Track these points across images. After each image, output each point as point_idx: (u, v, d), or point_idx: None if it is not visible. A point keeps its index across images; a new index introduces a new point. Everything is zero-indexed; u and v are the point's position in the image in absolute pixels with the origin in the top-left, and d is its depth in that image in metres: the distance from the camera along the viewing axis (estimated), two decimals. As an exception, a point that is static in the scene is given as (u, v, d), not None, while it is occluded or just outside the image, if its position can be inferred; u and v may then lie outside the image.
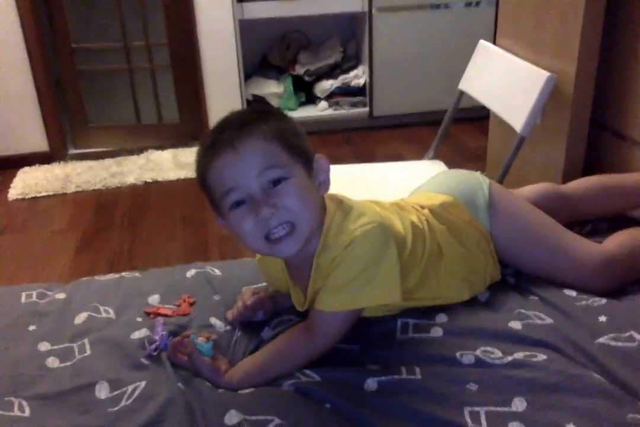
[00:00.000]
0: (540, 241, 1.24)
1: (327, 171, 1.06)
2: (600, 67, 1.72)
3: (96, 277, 1.39)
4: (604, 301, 1.15)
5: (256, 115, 1.03)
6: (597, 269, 1.21)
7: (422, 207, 1.22)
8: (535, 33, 1.91)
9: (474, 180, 1.29)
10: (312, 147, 1.05)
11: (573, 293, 1.18)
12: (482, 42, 2.06)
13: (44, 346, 1.14)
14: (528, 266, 1.25)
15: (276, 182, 0.97)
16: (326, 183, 1.06)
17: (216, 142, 0.98)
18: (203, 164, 1.01)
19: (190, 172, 3.18)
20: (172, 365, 1.06)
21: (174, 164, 3.30)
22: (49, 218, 2.87)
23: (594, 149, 1.82)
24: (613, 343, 1.04)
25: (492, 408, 0.92)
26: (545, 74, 1.69)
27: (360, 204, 1.08)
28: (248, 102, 3.55)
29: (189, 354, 1.05)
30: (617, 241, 1.27)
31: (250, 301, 1.18)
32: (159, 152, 3.43)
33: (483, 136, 3.22)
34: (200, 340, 1.07)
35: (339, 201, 1.07)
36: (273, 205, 0.96)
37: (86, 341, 1.13)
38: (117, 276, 1.38)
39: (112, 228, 2.75)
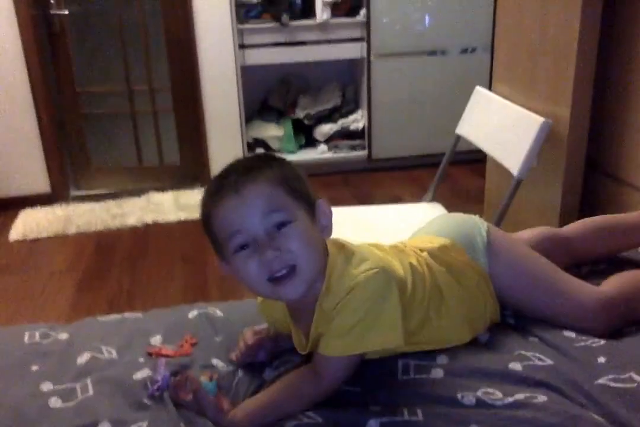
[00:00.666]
0: (539, 284, 1.25)
1: (329, 215, 1.07)
2: (595, 110, 1.77)
3: (98, 318, 1.39)
4: (602, 342, 1.16)
5: (260, 161, 1.06)
6: (595, 312, 1.22)
7: (421, 250, 1.23)
8: (529, 78, 1.97)
9: (472, 224, 1.31)
10: (314, 192, 1.08)
11: (572, 334, 1.19)
12: (478, 88, 2.12)
13: (46, 386, 1.14)
14: (527, 307, 1.27)
15: (280, 225, 0.99)
16: (328, 227, 1.07)
17: (220, 187, 1.01)
18: (207, 208, 1.03)
19: (190, 214, 3.21)
20: (175, 405, 1.06)
21: (175, 205, 3.33)
22: (49, 259, 2.88)
23: (590, 191, 1.85)
24: (613, 384, 1.04)
25: (494, 449, 0.93)
26: (540, 120, 1.74)
27: (361, 249, 1.09)
28: (249, 145, 3.61)
29: (195, 391, 1.05)
30: (615, 283, 1.29)
31: (252, 340, 1.19)
32: (160, 193, 3.47)
33: (480, 178, 3.26)
34: (203, 379, 1.07)
35: (341, 245, 1.09)
36: (277, 248, 0.97)
37: (89, 381, 1.13)
38: (119, 316, 1.38)
39: (112, 269, 2.76)
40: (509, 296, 1.26)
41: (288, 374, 1.10)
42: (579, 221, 1.51)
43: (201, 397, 1.04)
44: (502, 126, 1.94)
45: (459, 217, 1.38)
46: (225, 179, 1.01)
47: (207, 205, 1.03)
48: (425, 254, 1.22)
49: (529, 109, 1.84)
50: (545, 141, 1.76)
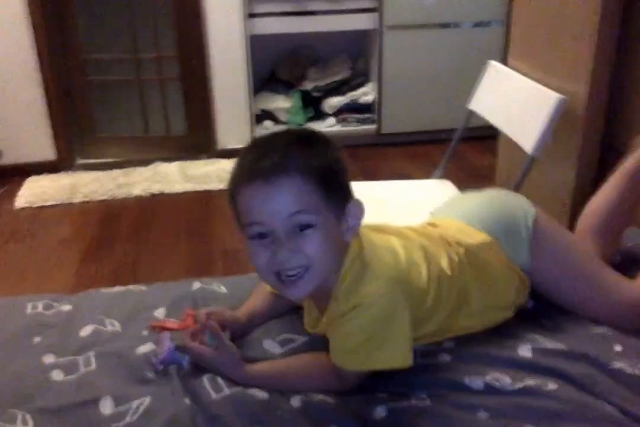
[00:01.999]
0: (580, 277, 1.20)
1: (359, 218, 1.02)
2: (612, 87, 1.73)
3: (102, 290, 1.38)
4: (619, 330, 1.13)
5: (301, 146, 0.98)
6: (631, 308, 1.18)
7: (459, 244, 1.17)
8: (547, 54, 1.92)
9: (519, 212, 1.21)
10: (351, 188, 1.02)
11: (587, 321, 1.16)
12: (491, 62, 2.07)
13: (48, 358, 1.13)
14: (562, 298, 1.22)
15: (303, 226, 0.95)
16: (355, 228, 1.02)
17: (253, 169, 0.95)
18: (235, 184, 0.98)
19: (196, 185, 3.19)
20: (180, 378, 1.05)
21: (181, 176, 3.31)
22: (54, 227, 2.87)
23: (604, 171, 1.81)
24: (629, 371, 1.02)
25: (502, 434, 0.91)
26: (556, 96, 1.69)
27: (379, 258, 1.04)
28: (257, 116, 3.56)
29: (216, 332, 1.06)
30: None
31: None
32: (166, 164, 3.44)
33: (490, 155, 3.22)
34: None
35: (360, 247, 1.04)
36: (293, 250, 0.95)
37: (91, 354, 1.12)
38: (123, 288, 1.37)
39: (117, 239, 2.74)
40: (545, 287, 1.21)
41: (310, 357, 1.09)
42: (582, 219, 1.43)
43: (223, 342, 1.06)
44: (516, 102, 1.89)
45: (504, 200, 1.27)
46: (260, 161, 0.94)
47: (236, 181, 0.98)
48: (462, 250, 1.16)
49: (545, 85, 1.79)
50: (561, 118, 1.72)
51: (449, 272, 1.12)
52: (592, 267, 1.22)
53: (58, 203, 3.06)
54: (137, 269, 2.50)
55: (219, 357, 1.06)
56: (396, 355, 1.02)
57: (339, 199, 0.99)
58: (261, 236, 0.96)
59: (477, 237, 1.19)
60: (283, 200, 0.93)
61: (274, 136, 1.02)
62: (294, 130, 1.07)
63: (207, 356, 1.07)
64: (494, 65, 2.05)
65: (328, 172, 0.97)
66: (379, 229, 1.15)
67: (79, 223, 2.91)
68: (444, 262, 1.12)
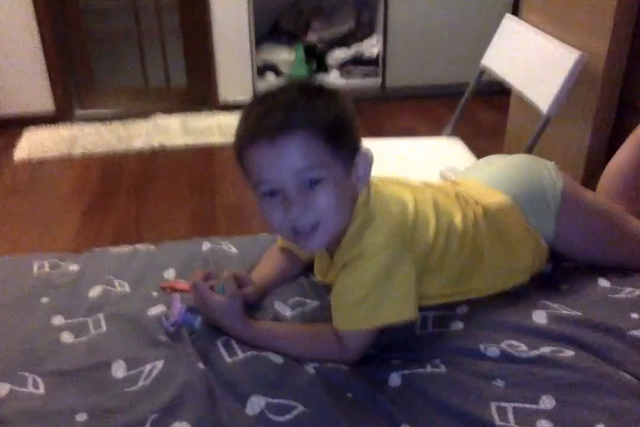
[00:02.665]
0: (612, 243, 1.21)
1: (369, 167, 1.00)
2: (631, 47, 1.67)
3: (109, 249, 1.35)
4: (637, 292, 1.11)
5: (306, 100, 0.95)
6: None
7: (477, 203, 1.15)
8: (566, 9, 1.85)
9: (546, 181, 1.17)
10: (359, 138, 1.00)
11: (608, 284, 1.14)
12: (508, 15, 2.00)
13: (57, 320, 1.11)
14: (585, 257, 1.21)
15: (313, 182, 0.93)
16: (365, 178, 1.01)
17: (257, 126, 0.93)
18: (241, 142, 0.96)
19: (197, 138, 3.13)
20: (193, 341, 1.03)
21: (182, 129, 3.25)
22: (55, 181, 2.83)
23: (620, 133, 1.77)
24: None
25: (519, 404, 0.90)
26: (575, 53, 1.64)
27: (385, 209, 1.02)
28: (259, 69, 3.47)
29: (229, 281, 1.06)
30: None
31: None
32: (167, 116, 3.37)
33: (497, 112, 3.16)
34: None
35: (368, 197, 1.02)
36: (306, 206, 0.94)
37: (101, 316, 1.10)
38: (131, 248, 1.35)
39: (119, 194, 2.71)
40: (574, 254, 1.20)
41: (316, 328, 1.07)
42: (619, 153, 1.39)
43: (233, 296, 1.04)
44: (532, 59, 1.83)
45: (533, 168, 1.22)
46: (264, 119, 0.92)
47: (242, 140, 0.96)
48: (480, 209, 1.14)
49: (562, 40, 1.73)
50: (578, 77, 1.67)
51: (460, 227, 1.10)
52: (624, 229, 1.22)
53: (58, 156, 3.01)
54: (140, 224, 2.48)
55: (224, 306, 1.04)
56: (400, 309, 1.01)
57: (347, 151, 0.98)
58: (272, 193, 0.95)
59: (497, 198, 1.17)
60: (290, 158, 0.92)
61: (277, 91, 0.98)
62: (297, 84, 1.03)
63: (214, 301, 1.04)
64: (510, 19, 1.98)
65: (334, 126, 0.94)
66: (392, 181, 1.13)
67: (79, 177, 2.87)
68: (457, 218, 1.11)
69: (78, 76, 3.43)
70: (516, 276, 1.16)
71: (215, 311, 1.05)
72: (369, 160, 1.00)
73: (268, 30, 3.67)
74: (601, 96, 1.70)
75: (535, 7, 2.02)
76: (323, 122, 0.93)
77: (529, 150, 1.72)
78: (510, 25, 1.97)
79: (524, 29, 1.91)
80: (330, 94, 0.98)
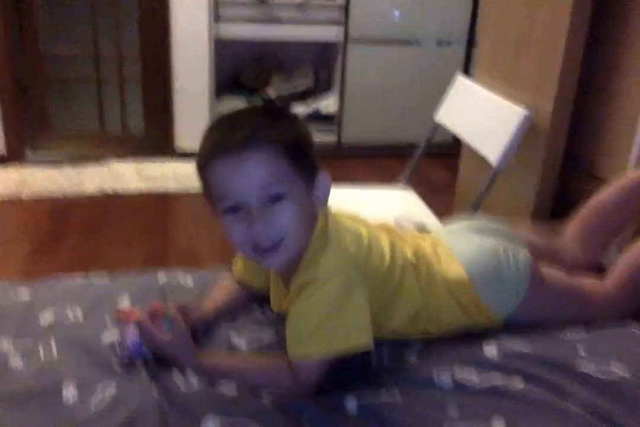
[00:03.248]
0: (569, 311, 1.23)
1: (328, 188, 1.04)
2: (576, 105, 1.78)
3: (62, 278, 1.33)
4: (583, 333, 1.15)
5: (269, 119, 0.99)
6: (611, 307, 1.23)
7: (432, 269, 1.16)
8: (513, 69, 1.96)
9: (514, 275, 1.17)
10: (318, 160, 1.03)
11: (554, 326, 1.18)
12: (459, 76, 2.11)
13: (5, 346, 1.08)
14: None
15: (275, 198, 0.96)
16: (324, 199, 1.04)
17: (222, 144, 0.96)
18: (205, 159, 0.98)
19: (152, 185, 3.12)
20: (147, 372, 1.02)
21: (136, 176, 3.24)
22: (1, 223, 2.76)
23: (564, 186, 1.86)
24: (594, 374, 1.03)
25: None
26: (522, 111, 1.74)
27: (340, 238, 1.04)
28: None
29: (174, 318, 1.05)
30: (617, 278, 1.28)
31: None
32: (122, 163, 3.36)
33: (447, 171, 3.28)
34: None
35: (326, 224, 1.04)
36: (267, 223, 0.96)
37: (52, 341, 1.08)
38: (83, 279, 1.33)
39: (68, 238, 2.65)
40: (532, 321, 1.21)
41: (269, 360, 1.07)
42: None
43: (179, 332, 1.04)
44: (483, 116, 1.93)
45: (504, 255, 1.19)
46: (229, 135, 0.95)
47: (206, 155, 0.98)
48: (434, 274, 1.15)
49: (511, 99, 1.84)
50: (526, 133, 1.76)
51: (414, 260, 1.13)
52: (580, 294, 1.24)
53: (6, 198, 2.95)
54: (89, 268, 2.41)
55: (173, 343, 1.04)
56: (354, 336, 1.00)
57: (309, 171, 1.00)
58: (234, 209, 0.96)
59: (457, 273, 1.16)
60: (254, 173, 0.94)
61: (241, 111, 1.03)
62: (260, 105, 1.08)
63: (162, 340, 1.04)
64: (461, 80, 2.09)
65: (297, 144, 0.98)
66: (350, 215, 1.16)
67: (27, 220, 2.81)
68: (410, 253, 1.14)
69: (33, 119, 3.41)
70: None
71: (162, 350, 1.04)
72: (328, 182, 1.04)
73: (228, 83, 3.76)
74: (546, 152, 1.79)
75: (485, 68, 2.14)
76: (286, 140, 0.96)
77: (478, 202, 1.79)
78: (461, 84, 2.09)
79: (475, 88, 2.02)
80: (291, 117, 1.03)
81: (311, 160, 1.01)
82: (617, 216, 1.41)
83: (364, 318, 1.01)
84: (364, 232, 1.10)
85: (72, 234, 2.68)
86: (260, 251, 0.98)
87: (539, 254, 1.28)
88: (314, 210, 1.03)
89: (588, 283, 1.27)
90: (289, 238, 0.98)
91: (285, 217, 0.96)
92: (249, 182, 0.94)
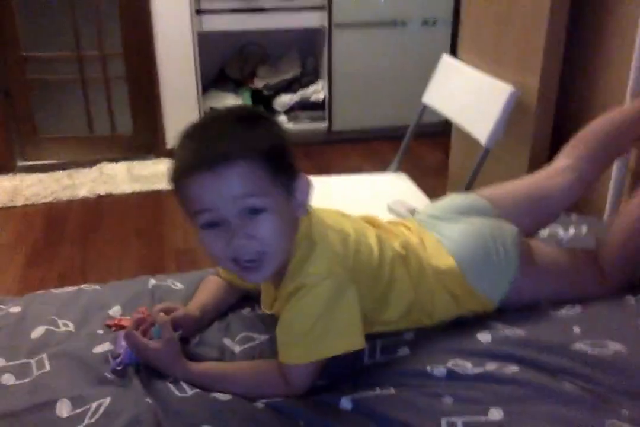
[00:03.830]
0: (562, 289, 1.21)
1: (308, 192, 1.00)
2: (562, 80, 1.75)
3: (53, 290, 1.32)
4: (578, 309, 1.14)
5: (242, 128, 0.94)
6: (603, 284, 1.22)
7: (421, 262, 1.14)
8: (497, 47, 1.94)
9: (502, 256, 1.16)
10: (297, 163, 0.99)
11: (549, 303, 1.17)
12: (444, 56, 2.08)
13: (-2, 362, 1.07)
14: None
15: (254, 210, 0.92)
16: (305, 203, 1.01)
17: (194, 158, 0.91)
18: (178, 175, 0.94)
19: (144, 185, 3.11)
20: (140, 379, 1.00)
21: (128, 176, 3.22)
22: (-5, 232, 2.75)
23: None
24: (589, 351, 1.03)
25: (469, 418, 0.91)
26: (508, 88, 1.71)
27: (326, 239, 1.01)
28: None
29: (163, 325, 1.04)
30: (609, 249, 1.25)
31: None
32: (113, 164, 3.35)
33: (439, 152, 3.26)
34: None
35: (309, 226, 1.02)
36: (248, 237, 0.93)
37: (44, 356, 1.06)
38: (75, 288, 1.31)
39: (63, 242, 2.65)
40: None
41: (259, 365, 1.05)
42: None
43: (167, 339, 1.02)
44: (469, 95, 1.91)
45: (492, 237, 1.17)
46: (203, 149, 0.91)
47: (180, 171, 0.94)
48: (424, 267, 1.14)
49: (497, 77, 1.81)
50: (513, 110, 1.74)
51: (402, 252, 1.11)
52: (572, 274, 1.22)
53: (-1, 207, 2.94)
54: (86, 273, 2.42)
55: (160, 353, 1.02)
56: (345, 338, 0.99)
57: (287, 177, 0.97)
58: (212, 224, 0.93)
59: (446, 263, 1.15)
60: (231, 187, 0.91)
61: (213, 120, 0.99)
62: (232, 112, 1.03)
63: (149, 348, 1.02)
64: (447, 60, 2.06)
65: (272, 153, 0.94)
66: (333, 212, 1.13)
67: (22, 227, 2.80)
68: (398, 245, 1.12)
69: (20, 126, 3.39)
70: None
71: (150, 358, 1.03)
72: (307, 185, 1.00)
73: (214, 77, 3.72)
74: (536, 128, 1.77)
75: (470, 47, 2.11)
76: (262, 150, 0.93)
77: (471, 182, 1.77)
78: (447, 64, 2.06)
79: (460, 67, 2.00)
80: (266, 121, 0.99)
81: (289, 166, 0.98)
82: (614, 141, 1.36)
83: (354, 319, 1.00)
84: (349, 229, 1.08)
85: (67, 239, 2.67)
86: (243, 265, 0.95)
87: (530, 208, 1.28)
88: (295, 216, 1.00)
89: (581, 257, 1.25)
90: (272, 251, 0.95)
91: (266, 229, 0.93)
92: (225, 197, 0.91)
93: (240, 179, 0.91)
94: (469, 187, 1.78)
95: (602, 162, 1.37)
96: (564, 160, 1.32)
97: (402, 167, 2.18)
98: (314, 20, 3.44)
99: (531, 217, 1.28)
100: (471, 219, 1.23)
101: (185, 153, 0.94)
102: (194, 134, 0.95)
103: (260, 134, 0.95)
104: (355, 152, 3.53)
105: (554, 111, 1.77)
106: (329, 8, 3.38)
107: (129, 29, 3.30)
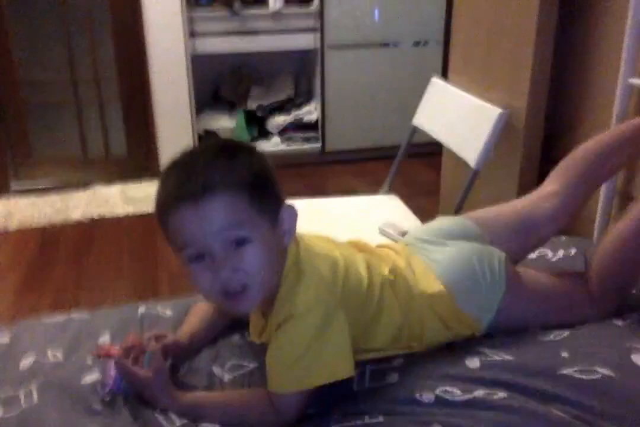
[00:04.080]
0: (549, 313, 1.21)
1: (294, 221, 1.01)
2: (550, 106, 1.77)
3: (42, 319, 1.31)
4: (566, 333, 1.14)
5: (224, 161, 0.95)
6: (591, 308, 1.21)
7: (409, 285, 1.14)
8: (486, 70, 1.96)
9: (488, 280, 1.15)
10: (281, 192, 1.00)
11: (537, 329, 1.17)
12: (434, 79, 2.10)
13: (-15, 394, 1.06)
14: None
15: (239, 242, 0.93)
16: (291, 232, 1.01)
17: (178, 191, 0.92)
18: (162, 207, 0.95)
19: (138, 208, 3.11)
20: (129, 410, 1.00)
21: (122, 199, 3.23)
22: (-10, 256, 2.75)
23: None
24: (577, 375, 1.02)
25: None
26: (497, 110, 1.73)
27: (314, 267, 1.01)
28: (200, 136, 3.52)
29: (153, 353, 1.03)
30: (597, 272, 1.25)
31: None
32: (106, 186, 3.35)
33: (434, 171, 3.26)
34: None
35: (297, 254, 1.02)
36: (234, 268, 0.93)
37: (33, 387, 1.06)
38: (64, 316, 1.31)
39: (57, 266, 2.64)
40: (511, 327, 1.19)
41: (248, 394, 1.05)
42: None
43: (157, 367, 1.02)
44: (458, 117, 1.92)
45: (479, 262, 1.17)
46: (186, 183, 0.92)
47: (163, 206, 0.95)
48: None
49: (486, 99, 1.83)
50: (502, 132, 1.75)
51: (391, 277, 1.11)
52: (559, 297, 1.23)
53: (-8, 229, 2.94)
54: (80, 296, 2.42)
55: (149, 382, 1.02)
56: (335, 367, 0.99)
57: (271, 206, 0.98)
58: (198, 257, 0.94)
59: (434, 288, 1.14)
60: (215, 220, 0.91)
61: (193, 154, 0.99)
62: (213, 145, 1.04)
63: (139, 377, 1.02)
64: (437, 82, 2.08)
65: (256, 184, 0.95)
66: (321, 239, 1.13)
67: (15, 250, 2.79)
68: (386, 270, 1.12)
69: (14, 149, 3.40)
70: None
71: (139, 387, 1.03)
72: (293, 214, 1.01)
73: (208, 98, 3.75)
74: (524, 150, 1.79)
75: (460, 68, 2.13)
76: (245, 181, 0.93)
77: (460, 203, 1.78)
78: (436, 86, 2.07)
79: (450, 90, 2.01)
80: (247, 152, 0.99)
81: (273, 196, 0.99)
82: (604, 163, 1.36)
83: (343, 347, 1.00)
84: (338, 255, 1.08)
85: (61, 263, 2.67)
86: (231, 295, 0.95)
87: (517, 233, 1.28)
88: (282, 246, 1.00)
89: (570, 281, 1.25)
90: (257, 282, 0.95)
91: (251, 260, 0.93)
92: (209, 230, 0.91)
93: (223, 211, 0.91)
94: (458, 208, 1.79)
95: (591, 186, 1.38)
96: (551, 186, 1.33)
97: (395, 188, 2.18)
98: (306, 42, 3.47)
99: (519, 241, 1.29)
100: (459, 243, 1.22)
101: (167, 187, 0.95)
102: (176, 168, 0.96)
103: (243, 164, 0.95)
104: (348, 172, 3.54)
105: (543, 133, 1.79)
106: (321, 30, 3.42)
107: (122, 51, 3.33)
